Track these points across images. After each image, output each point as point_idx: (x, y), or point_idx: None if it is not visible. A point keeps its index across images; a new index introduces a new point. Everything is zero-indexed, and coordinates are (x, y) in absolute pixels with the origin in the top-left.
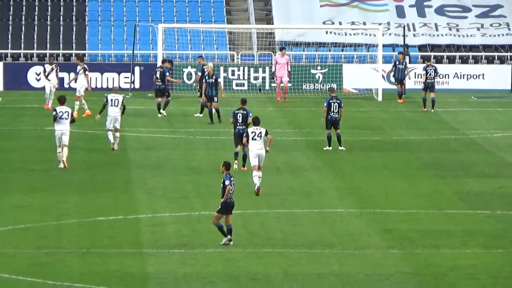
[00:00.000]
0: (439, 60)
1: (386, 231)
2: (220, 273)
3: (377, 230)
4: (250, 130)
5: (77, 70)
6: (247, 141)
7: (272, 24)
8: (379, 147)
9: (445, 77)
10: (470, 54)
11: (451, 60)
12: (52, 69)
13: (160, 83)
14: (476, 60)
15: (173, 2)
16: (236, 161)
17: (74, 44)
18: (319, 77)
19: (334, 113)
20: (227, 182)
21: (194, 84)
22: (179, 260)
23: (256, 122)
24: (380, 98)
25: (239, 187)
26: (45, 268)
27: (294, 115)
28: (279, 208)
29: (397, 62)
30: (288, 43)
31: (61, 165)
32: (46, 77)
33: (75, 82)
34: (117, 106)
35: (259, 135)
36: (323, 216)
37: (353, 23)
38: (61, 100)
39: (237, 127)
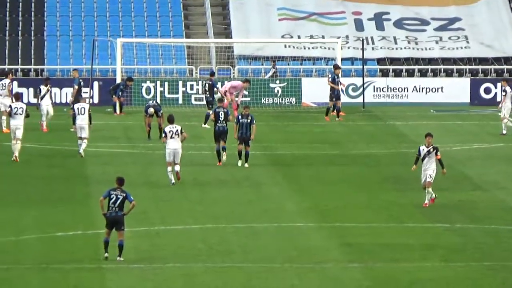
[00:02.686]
0: (397, 73)
1: (346, 245)
2: (179, 287)
3: (337, 244)
4: (167, 128)
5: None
6: (165, 138)
7: (231, 38)
8: (338, 161)
9: (404, 90)
10: (429, 67)
11: (410, 73)
12: (48, 90)
13: (208, 95)
14: (435, 73)
15: (131, 17)
16: (223, 155)
17: (32, 60)
18: (278, 91)
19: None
20: (101, 196)
21: (70, 100)
22: (138, 275)
23: (171, 120)
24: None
25: (198, 199)
26: (4, 284)
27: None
28: (238, 222)
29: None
30: (247, 57)
31: (13, 158)
32: (41, 98)
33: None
34: (83, 114)
35: (176, 133)
36: (283, 230)
37: (311, 36)
38: (17, 97)
39: (217, 124)
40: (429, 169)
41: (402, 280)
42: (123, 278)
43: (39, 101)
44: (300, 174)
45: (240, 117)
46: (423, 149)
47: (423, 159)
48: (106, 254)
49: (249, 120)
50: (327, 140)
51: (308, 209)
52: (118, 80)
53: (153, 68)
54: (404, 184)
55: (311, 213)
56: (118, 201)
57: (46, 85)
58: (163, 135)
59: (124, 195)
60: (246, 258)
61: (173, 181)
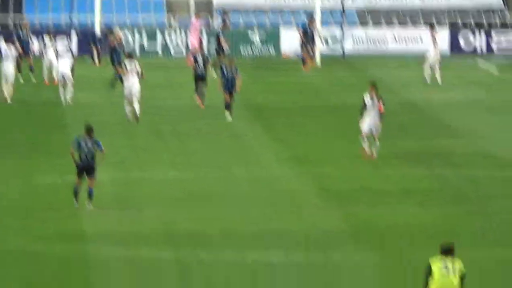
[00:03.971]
0: (377, 24)
1: (324, 190)
2: (159, 233)
3: (316, 189)
4: (127, 61)
5: None
6: (125, 71)
7: None
8: (317, 111)
9: (384, 41)
10: (409, 18)
11: (390, 24)
12: (53, 44)
13: (216, 46)
14: (415, 24)
15: None
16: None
17: (11, 11)
18: (257, 42)
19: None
20: (71, 147)
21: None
22: (115, 220)
23: (130, 55)
24: (318, 63)
25: (177, 148)
26: None
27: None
28: (218, 171)
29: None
30: (227, 8)
31: (9, 101)
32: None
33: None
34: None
35: (136, 70)
36: (262, 177)
37: None
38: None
39: (197, 69)
40: (374, 120)
41: (380, 224)
42: (100, 223)
43: (45, 54)
44: (279, 124)
45: (225, 70)
46: (368, 100)
47: (368, 109)
48: (76, 205)
49: (234, 73)
50: (307, 90)
51: (288, 158)
52: (97, 32)
53: (131, 19)
54: (383, 132)
55: (290, 161)
56: (90, 152)
57: (50, 39)
58: (123, 67)
59: (96, 144)
60: (225, 204)
61: (129, 116)
